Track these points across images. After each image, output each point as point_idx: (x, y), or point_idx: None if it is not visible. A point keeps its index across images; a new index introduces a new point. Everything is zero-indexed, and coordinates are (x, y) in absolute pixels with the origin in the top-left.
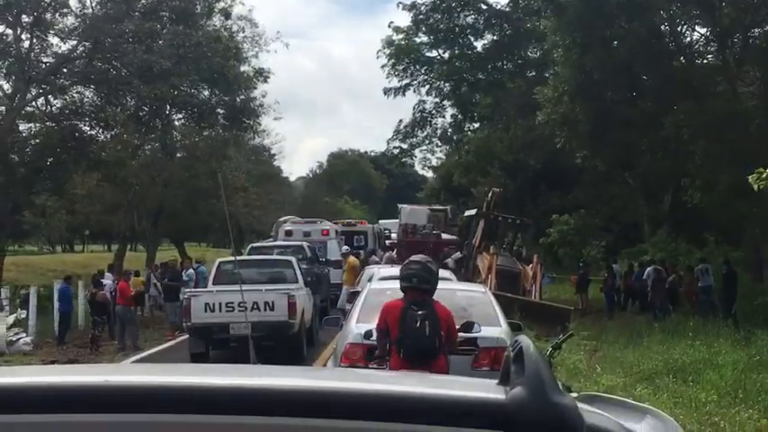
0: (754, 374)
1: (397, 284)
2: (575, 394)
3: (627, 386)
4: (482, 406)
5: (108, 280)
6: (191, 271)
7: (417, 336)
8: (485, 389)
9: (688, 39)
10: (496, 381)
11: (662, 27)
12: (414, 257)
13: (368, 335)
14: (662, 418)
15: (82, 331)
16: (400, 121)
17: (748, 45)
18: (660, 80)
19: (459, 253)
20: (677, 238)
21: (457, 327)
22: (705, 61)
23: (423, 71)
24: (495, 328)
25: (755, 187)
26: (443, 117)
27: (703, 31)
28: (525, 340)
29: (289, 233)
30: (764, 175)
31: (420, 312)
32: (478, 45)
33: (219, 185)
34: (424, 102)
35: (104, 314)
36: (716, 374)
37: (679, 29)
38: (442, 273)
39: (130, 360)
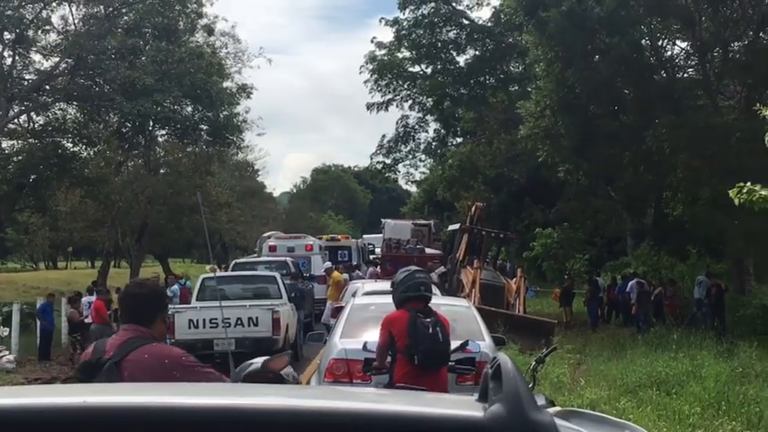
0: (737, 386)
1: (380, 299)
2: (556, 408)
3: (611, 399)
4: (460, 423)
5: (90, 297)
6: (175, 287)
7: (432, 341)
8: (464, 406)
9: (669, 53)
10: (475, 397)
11: (643, 41)
12: (411, 267)
13: (365, 346)
14: None
15: (65, 348)
16: (383, 135)
17: (728, 59)
18: (641, 94)
19: (442, 267)
20: (660, 251)
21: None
22: (686, 75)
23: (405, 86)
24: (479, 343)
25: (736, 201)
26: (426, 132)
27: (684, 45)
28: (503, 357)
29: (273, 248)
30: (745, 190)
31: (429, 320)
32: (461, 60)
33: (200, 203)
34: (407, 117)
35: (77, 332)
36: (699, 386)
37: (660, 43)
38: None
39: None
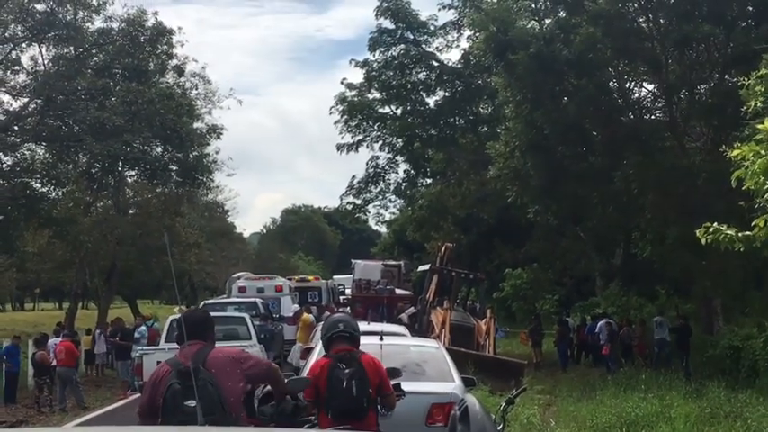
0: (706, 427)
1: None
2: None
3: None
4: None
5: (56, 339)
6: (142, 328)
7: (345, 396)
8: None
9: (636, 95)
10: None
11: (610, 84)
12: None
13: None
14: None
15: (31, 391)
16: (353, 176)
17: (694, 101)
18: (609, 135)
19: (412, 308)
20: (629, 291)
21: None
22: (653, 117)
23: (375, 127)
24: (448, 384)
25: (703, 241)
26: (396, 173)
27: (651, 87)
28: (471, 399)
29: (242, 289)
30: (711, 230)
31: (347, 371)
32: (430, 101)
33: (167, 245)
34: (377, 157)
35: (45, 375)
36: (668, 427)
37: (627, 85)
38: (397, 328)
39: (75, 422)
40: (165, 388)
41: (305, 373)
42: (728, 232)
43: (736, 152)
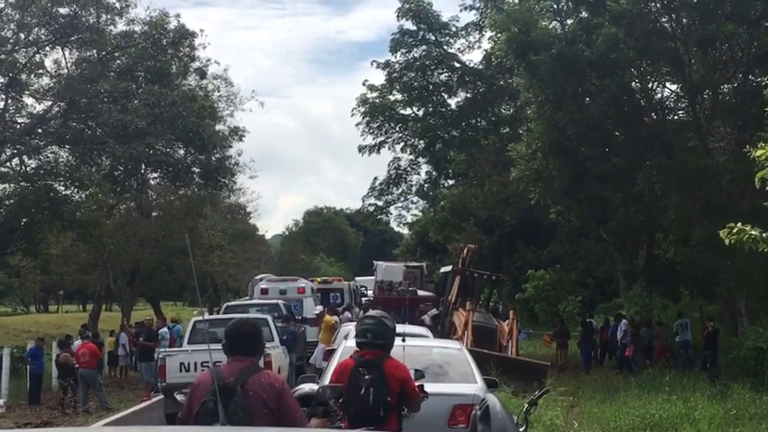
0: (731, 428)
1: None
2: None
3: None
4: None
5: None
6: (164, 329)
7: (361, 403)
8: None
9: (659, 95)
10: None
11: (633, 84)
12: (369, 312)
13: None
14: None
15: (55, 393)
16: (375, 178)
17: (718, 101)
18: (632, 136)
19: (435, 309)
20: (652, 292)
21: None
22: (676, 117)
23: (397, 128)
24: (471, 385)
25: (727, 242)
26: (418, 174)
27: (673, 87)
28: (492, 399)
29: (264, 291)
30: (735, 230)
31: (367, 377)
32: (452, 102)
33: (189, 246)
34: (399, 159)
35: (69, 376)
36: (693, 429)
37: (650, 85)
38: (419, 329)
39: (101, 423)
40: (200, 403)
41: (329, 375)
42: (752, 233)
43: (760, 152)
